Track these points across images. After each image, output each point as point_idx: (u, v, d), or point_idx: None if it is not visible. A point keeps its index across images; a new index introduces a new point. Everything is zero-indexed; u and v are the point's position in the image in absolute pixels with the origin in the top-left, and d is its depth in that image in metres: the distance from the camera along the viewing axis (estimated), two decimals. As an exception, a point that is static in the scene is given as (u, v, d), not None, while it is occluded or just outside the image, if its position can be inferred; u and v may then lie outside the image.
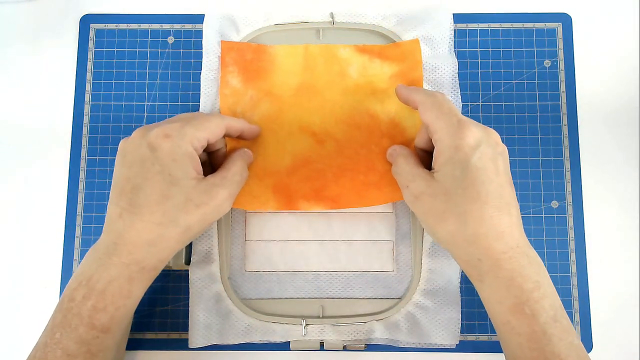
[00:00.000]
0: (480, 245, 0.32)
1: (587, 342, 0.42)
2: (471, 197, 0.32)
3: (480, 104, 0.45)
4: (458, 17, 0.46)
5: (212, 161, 0.40)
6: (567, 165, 0.44)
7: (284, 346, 0.41)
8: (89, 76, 0.46)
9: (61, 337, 0.32)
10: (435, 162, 0.34)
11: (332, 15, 0.44)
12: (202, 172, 0.35)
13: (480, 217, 0.31)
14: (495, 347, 0.42)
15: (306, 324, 0.40)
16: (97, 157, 0.45)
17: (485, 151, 0.32)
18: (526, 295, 0.31)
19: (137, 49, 0.46)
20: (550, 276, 0.42)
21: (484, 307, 0.35)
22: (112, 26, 0.46)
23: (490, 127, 0.44)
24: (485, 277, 0.32)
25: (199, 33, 0.45)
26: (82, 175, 0.44)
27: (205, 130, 0.34)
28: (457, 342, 0.40)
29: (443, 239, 0.34)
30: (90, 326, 0.32)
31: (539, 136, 0.44)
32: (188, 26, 0.46)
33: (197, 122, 0.34)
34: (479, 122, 0.44)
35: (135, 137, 0.34)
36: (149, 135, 0.33)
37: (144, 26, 0.46)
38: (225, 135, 0.39)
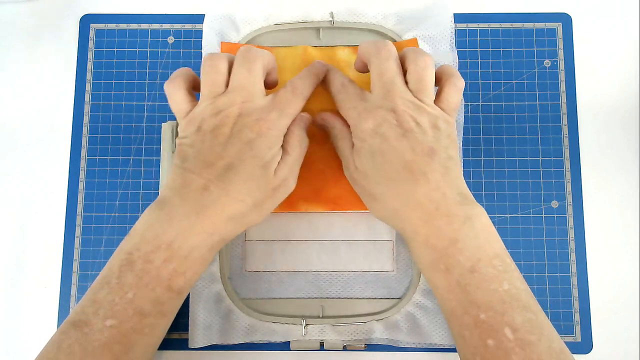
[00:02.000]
0: (399, 218, 0.35)
1: (587, 342, 0.42)
2: (383, 178, 0.35)
3: (480, 104, 0.45)
4: (458, 17, 0.46)
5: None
6: (567, 165, 0.44)
7: (284, 346, 0.41)
8: (89, 76, 0.46)
9: (134, 297, 0.32)
10: (354, 151, 0.37)
11: (331, 14, 0.44)
12: None
13: (396, 194, 0.34)
14: (495, 347, 0.42)
15: (306, 324, 0.40)
16: (97, 157, 0.45)
17: (387, 133, 0.34)
18: (439, 253, 0.33)
19: (137, 49, 0.46)
20: (551, 276, 0.42)
21: None
22: (112, 26, 0.46)
23: (490, 127, 0.44)
24: (409, 242, 0.36)
25: (199, 33, 0.46)
26: (82, 175, 0.44)
27: (292, 118, 0.37)
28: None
29: (377, 214, 0.38)
30: (168, 288, 0.33)
31: (539, 136, 0.44)
32: (188, 26, 0.46)
33: (287, 110, 0.36)
34: (479, 122, 0.44)
35: (229, 116, 0.35)
36: (252, 121, 0.34)
37: (144, 26, 0.46)
38: None
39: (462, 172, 0.36)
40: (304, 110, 0.40)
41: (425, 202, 0.33)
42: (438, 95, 0.37)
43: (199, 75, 0.37)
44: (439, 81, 0.37)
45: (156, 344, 0.35)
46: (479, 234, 0.33)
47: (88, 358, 0.31)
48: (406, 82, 0.36)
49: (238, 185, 0.34)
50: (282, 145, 0.36)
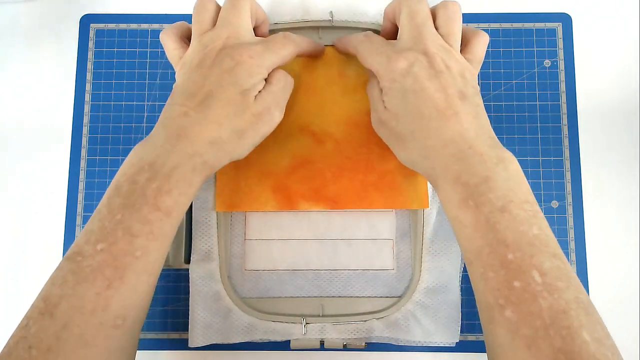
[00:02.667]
0: (431, 156, 0.34)
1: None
2: (415, 117, 0.34)
3: (480, 104, 0.45)
4: (458, 17, 0.46)
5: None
6: (567, 165, 0.44)
7: (284, 345, 0.41)
8: (89, 76, 0.46)
9: (122, 218, 0.32)
10: (383, 94, 0.36)
11: (331, 14, 0.44)
12: None
13: (427, 131, 0.34)
14: (495, 347, 0.42)
15: (306, 323, 0.40)
16: (97, 157, 0.45)
17: (419, 73, 0.34)
18: (471, 189, 0.32)
19: (137, 49, 0.46)
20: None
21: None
22: (112, 26, 0.46)
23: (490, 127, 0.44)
24: (438, 182, 0.34)
25: (199, 33, 0.46)
26: (82, 175, 0.44)
27: (279, 58, 0.37)
28: (457, 341, 0.40)
29: (405, 158, 0.36)
30: (155, 207, 0.32)
31: (539, 136, 0.44)
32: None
33: (275, 47, 0.37)
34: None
35: (213, 49, 0.36)
36: (234, 51, 0.35)
37: (144, 26, 0.46)
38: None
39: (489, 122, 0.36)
40: (304, 118, 0.41)
41: (458, 140, 0.33)
42: (464, 46, 0.37)
43: None
44: (465, 35, 0.38)
45: (151, 272, 0.34)
46: (511, 177, 0.32)
47: (80, 285, 0.31)
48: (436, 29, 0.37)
49: (216, 110, 0.34)
50: (266, 79, 0.37)
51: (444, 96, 0.34)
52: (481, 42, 0.37)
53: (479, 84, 0.45)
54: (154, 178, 0.33)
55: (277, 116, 0.37)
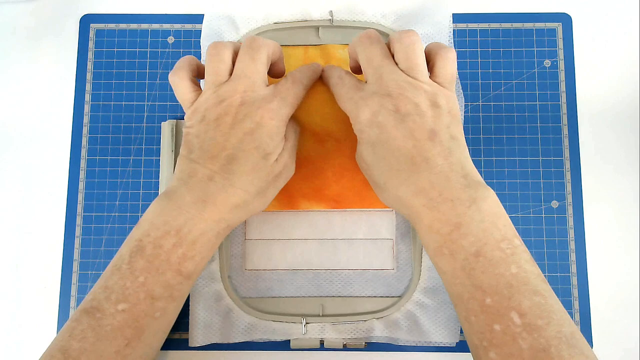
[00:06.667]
0: (403, 205, 0.34)
1: (587, 342, 0.42)
2: (385, 168, 0.34)
3: (480, 104, 0.45)
4: (458, 17, 0.46)
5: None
6: (567, 165, 0.44)
7: (284, 345, 0.41)
8: (89, 76, 0.46)
9: (145, 281, 0.33)
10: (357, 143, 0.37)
11: (331, 13, 0.44)
12: None
13: (397, 183, 0.34)
14: (495, 347, 0.42)
15: (306, 323, 0.40)
16: (97, 157, 0.45)
17: (384, 121, 0.34)
18: (444, 238, 0.32)
19: (137, 49, 0.46)
20: (550, 276, 0.42)
21: None
22: (112, 26, 0.46)
23: (490, 127, 0.44)
24: (415, 227, 0.35)
25: (199, 33, 0.46)
26: (82, 175, 0.44)
27: (293, 107, 0.37)
28: (457, 341, 0.40)
29: (384, 202, 0.37)
30: (178, 272, 0.33)
31: (539, 136, 0.44)
32: (188, 26, 0.46)
33: (289, 99, 0.37)
34: (479, 122, 0.44)
35: (231, 105, 0.35)
36: (254, 113, 0.35)
37: (144, 26, 0.46)
38: None
39: (467, 151, 0.35)
40: (305, 118, 0.41)
41: (427, 189, 0.33)
42: (431, 69, 0.36)
43: (203, 62, 0.37)
44: (429, 57, 0.36)
45: (166, 329, 0.35)
46: (485, 218, 0.32)
47: (101, 342, 0.31)
48: (396, 64, 0.35)
49: (241, 176, 0.34)
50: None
51: (412, 143, 0.33)
52: (448, 61, 0.35)
53: (478, 85, 0.45)
54: (180, 244, 0.33)
55: (292, 169, 0.38)
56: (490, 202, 0.33)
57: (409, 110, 0.34)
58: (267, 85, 0.37)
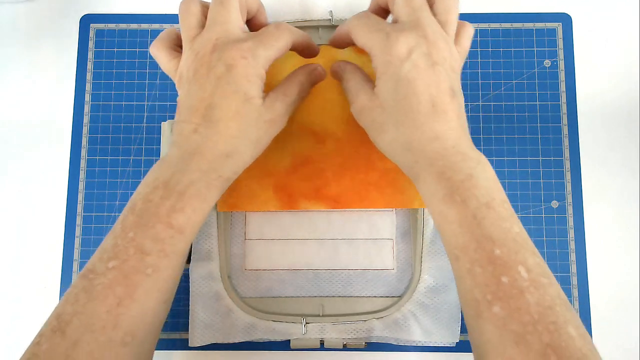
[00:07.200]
0: (414, 149, 0.33)
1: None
2: (404, 108, 0.33)
3: (480, 104, 0.45)
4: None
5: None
6: (567, 165, 0.44)
7: (284, 345, 0.41)
8: (89, 76, 0.46)
9: (135, 236, 0.32)
10: (375, 77, 0.35)
11: (331, 13, 0.44)
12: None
13: (414, 125, 0.33)
14: (495, 347, 0.42)
15: (306, 323, 0.40)
16: (97, 157, 0.45)
17: (418, 61, 0.33)
18: (456, 185, 0.32)
19: (137, 49, 0.46)
20: (551, 276, 0.42)
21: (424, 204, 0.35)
22: (112, 26, 0.46)
23: (490, 127, 0.44)
24: (419, 175, 0.34)
25: (199, 33, 0.46)
26: (82, 175, 0.44)
27: (275, 50, 0.35)
28: (457, 341, 0.40)
29: (384, 148, 0.35)
30: (168, 225, 0.32)
31: (539, 136, 0.44)
32: (188, 26, 0.46)
33: (267, 41, 0.35)
34: (479, 122, 0.44)
35: (204, 55, 0.34)
36: (224, 55, 0.34)
37: (144, 26, 0.46)
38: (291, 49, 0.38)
39: None
40: (305, 118, 0.41)
41: (444, 138, 0.33)
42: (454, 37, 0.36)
43: None
44: None
45: (163, 290, 0.34)
46: (489, 177, 0.32)
47: (91, 303, 0.31)
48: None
49: (227, 122, 0.34)
50: (279, 87, 0.36)
51: (436, 91, 0.33)
52: (469, 34, 0.36)
53: (478, 85, 0.45)
54: (168, 196, 0.33)
55: (285, 123, 0.37)
56: (491, 168, 0.33)
57: (439, 60, 0.33)
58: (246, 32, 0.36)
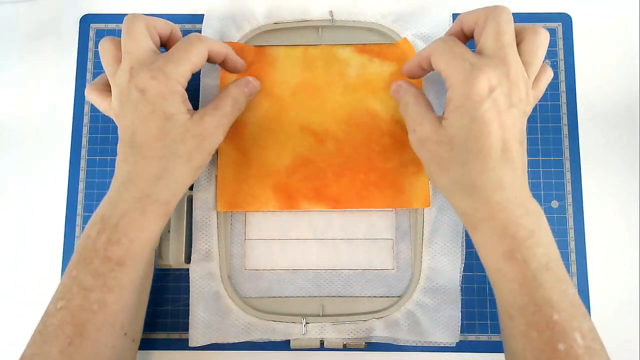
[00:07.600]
0: (478, 196, 0.32)
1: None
2: (475, 149, 0.31)
3: (480, 103, 0.45)
4: (458, 17, 0.46)
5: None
6: (567, 165, 0.44)
7: (284, 345, 0.41)
8: (89, 76, 0.46)
9: (77, 273, 0.32)
10: (446, 109, 0.33)
11: (331, 13, 0.44)
12: (191, 107, 0.36)
13: (482, 169, 0.31)
14: (495, 347, 0.42)
15: (306, 323, 0.40)
16: (97, 157, 0.45)
17: (498, 101, 0.31)
18: (518, 242, 0.31)
19: (137, 49, 0.46)
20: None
21: (478, 255, 0.34)
22: (112, 26, 0.46)
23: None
24: (479, 225, 0.33)
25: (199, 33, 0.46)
26: (82, 175, 0.44)
27: (187, 64, 0.35)
28: (457, 341, 0.40)
29: (443, 187, 0.34)
30: (105, 259, 0.33)
31: (539, 136, 0.44)
32: (188, 26, 0.46)
33: (177, 56, 0.35)
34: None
35: (124, 85, 0.35)
36: (135, 80, 0.34)
37: (144, 26, 0.46)
38: (210, 61, 0.38)
39: None
40: (305, 118, 0.40)
41: (508, 188, 0.31)
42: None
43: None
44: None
45: (115, 325, 0.33)
46: (548, 234, 0.32)
47: (46, 344, 0.32)
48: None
49: (150, 143, 0.33)
50: (211, 101, 0.36)
51: (508, 136, 0.32)
52: (548, 78, 0.35)
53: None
54: (103, 230, 0.33)
55: (220, 138, 0.37)
56: (546, 220, 0.32)
57: (516, 102, 0.32)
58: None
